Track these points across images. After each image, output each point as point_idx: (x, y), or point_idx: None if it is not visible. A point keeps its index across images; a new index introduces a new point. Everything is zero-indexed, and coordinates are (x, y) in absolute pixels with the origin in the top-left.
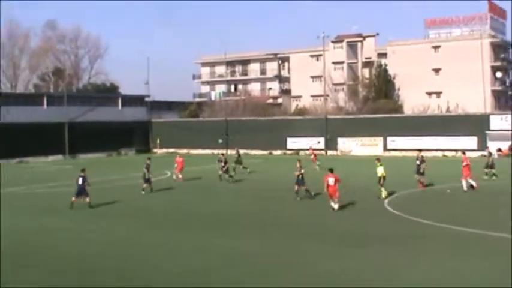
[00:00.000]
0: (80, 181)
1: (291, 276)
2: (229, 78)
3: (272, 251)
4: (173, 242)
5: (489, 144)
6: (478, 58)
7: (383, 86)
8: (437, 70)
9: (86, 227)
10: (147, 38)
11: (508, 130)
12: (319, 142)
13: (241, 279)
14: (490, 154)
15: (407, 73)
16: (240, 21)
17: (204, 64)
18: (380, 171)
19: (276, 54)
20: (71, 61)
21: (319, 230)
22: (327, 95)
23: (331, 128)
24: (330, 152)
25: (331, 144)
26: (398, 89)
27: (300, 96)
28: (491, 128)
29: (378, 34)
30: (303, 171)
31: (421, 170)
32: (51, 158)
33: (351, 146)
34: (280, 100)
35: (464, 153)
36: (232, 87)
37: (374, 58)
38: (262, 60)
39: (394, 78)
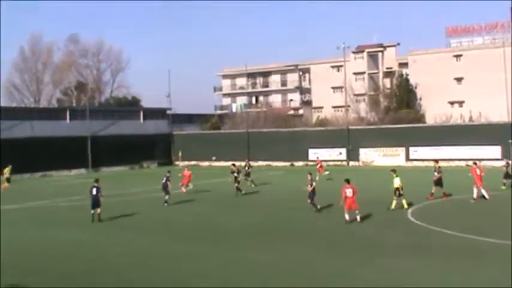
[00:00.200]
0: (94, 191)
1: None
2: (250, 90)
3: (302, 263)
4: (198, 255)
5: None
6: (501, 66)
7: (404, 96)
8: (459, 79)
9: (112, 240)
10: (169, 51)
11: None
12: (340, 153)
13: None
14: (508, 164)
15: (429, 82)
16: (260, 33)
17: (225, 76)
18: (396, 182)
19: (296, 66)
20: (93, 75)
21: (345, 240)
22: (348, 106)
23: (352, 139)
24: (351, 163)
25: (352, 155)
26: (420, 99)
27: (321, 107)
28: None
29: (398, 44)
30: (314, 184)
31: (438, 181)
32: (74, 171)
33: (372, 156)
34: (301, 111)
35: (475, 164)
36: (254, 99)
37: (395, 68)
38: (283, 72)
39: (415, 87)
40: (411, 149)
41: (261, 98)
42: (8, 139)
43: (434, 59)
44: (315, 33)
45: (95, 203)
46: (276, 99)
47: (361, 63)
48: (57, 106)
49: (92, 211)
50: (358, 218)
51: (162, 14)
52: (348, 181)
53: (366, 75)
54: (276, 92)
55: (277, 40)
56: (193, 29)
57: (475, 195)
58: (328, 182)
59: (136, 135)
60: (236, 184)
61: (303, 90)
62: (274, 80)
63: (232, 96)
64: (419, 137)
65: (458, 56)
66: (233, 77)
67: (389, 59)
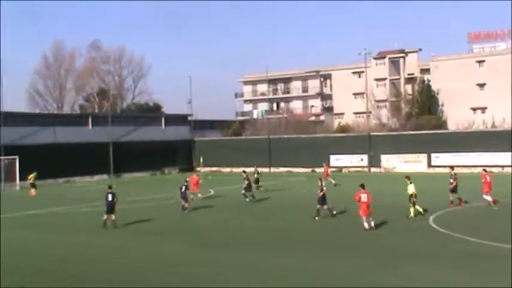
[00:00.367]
0: (110, 198)
1: None
2: (271, 96)
3: (326, 270)
4: (220, 260)
5: None
6: None
7: (426, 102)
8: (481, 85)
9: (135, 245)
10: (190, 57)
11: None
12: (362, 159)
13: None
14: None
15: (451, 88)
16: (281, 39)
17: (246, 82)
18: (411, 189)
19: (317, 72)
20: (115, 81)
21: (368, 247)
22: (370, 112)
23: (374, 145)
24: (373, 169)
25: (374, 161)
26: (442, 105)
27: (342, 114)
28: None
29: (420, 49)
30: (324, 189)
31: (453, 188)
32: (96, 177)
33: (394, 162)
34: (322, 117)
35: (485, 171)
36: (275, 105)
37: (417, 74)
38: (304, 78)
39: (437, 93)
40: (433, 155)
41: (282, 104)
42: (31, 145)
43: (457, 64)
44: (336, 39)
45: (110, 209)
46: (297, 106)
47: (382, 69)
48: (79, 112)
49: (105, 216)
50: (372, 224)
51: (184, 20)
52: (362, 186)
53: (387, 81)
54: (297, 98)
55: (298, 46)
56: (214, 35)
57: (491, 200)
58: (347, 188)
59: (158, 141)
60: (243, 191)
61: (324, 97)
62: (295, 86)
63: (254, 102)
64: (441, 143)
65: (480, 62)
66: (254, 83)
67: (411, 65)
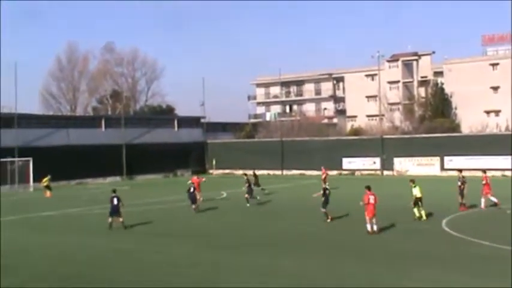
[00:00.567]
0: (115, 201)
1: None
2: (284, 98)
3: (342, 273)
4: (230, 263)
5: None
6: None
7: (439, 105)
8: (495, 88)
9: (144, 247)
10: (203, 59)
11: None
12: (374, 162)
13: None
14: None
15: (465, 91)
16: (294, 42)
17: (258, 85)
18: (415, 192)
19: (330, 74)
20: (128, 84)
21: (379, 251)
22: (383, 115)
23: (387, 148)
24: (386, 172)
25: (387, 164)
26: (455, 108)
27: (355, 116)
28: None
29: (434, 52)
30: (327, 192)
31: (463, 191)
32: (109, 179)
33: (407, 166)
34: (335, 120)
35: (485, 172)
36: (287, 107)
37: (430, 77)
38: (317, 81)
39: (450, 96)
40: (446, 158)
41: (294, 107)
42: (44, 147)
43: (470, 67)
44: (349, 41)
45: (115, 211)
46: (309, 108)
47: (395, 71)
48: (92, 114)
49: (110, 219)
50: (375, 228)
51: (197, 22)
52: (369, 188)
53: (400, 84)
54: (310, 100)
55: (311, 49)
56: (227, 38)
57: (483, 206)
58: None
59: (171, 143)
60: (246, 195)
61: (337, 99)
62: (308, 89)
63: (266, 104)
64: (454, 146)
65: (494, 65)
66: (267, 85)
67: (424, 68)
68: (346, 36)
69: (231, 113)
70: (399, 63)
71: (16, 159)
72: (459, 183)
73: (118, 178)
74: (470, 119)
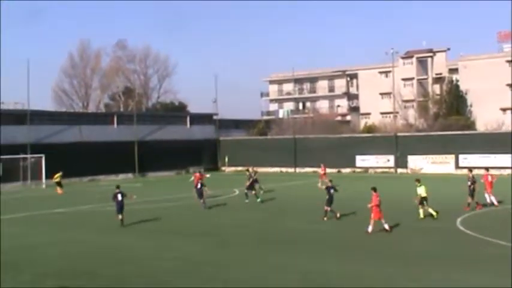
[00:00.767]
0: (120, 197)
1: None
2: (297, 95)
3: (354, 273)
4: (243, 260)
5: None
6: None
7: (454, 102)
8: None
9: (159, 245)
10: (215, 56)
11: None
12: (388, 160)
13: None
14: None
15: (480, 88)
16: (307, 38)
17: (271, 82)
18: (419, 191)
19: (344, 71)
20: (140, 80)
21: (396, 250)
22: (397, 112)
23: (401, 146)
24: (399, 170)
25: (401, 162)
26: (471, 105)
27: (369, 114)
28: None
29: (449, 49)
30: (332, 191)
31: (472, 191)
32: (121, 176)
33: (421, 164)
34: (348, 117)
35: (487, 170)
36: (300, 104)
37: (445, 74)
38: (330, 78)
39: (466, 94)
40: (461, 156)
41: (308, 104)
42: (57, 144)
43: (486, 64)
44: (363, 38)
45: (121, 208)
46: (323, 105)
47: (410, 68)
48: (105, 111)
49: (120, 216)
50: (386, 226)
51: (208, 18)
52: (375, 189)
53: (414, 81)
54: (323, 97)
55: (325, 45)
56: (240, 34)
57: (488, 200)
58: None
59: (183, 140)
60: (251, 191)
61: (351, 96)
62: (321, 86)
63: (279, 101)
64: (469, 144)
65: (511, 62)
66: (280, 82)
67: (439, 65)
68: (360, 32)
69: (244, 110)
70: (414, 60)
71: (28, 155)
72: (469, 183)
73: (130, 175)
74: (486, 117)
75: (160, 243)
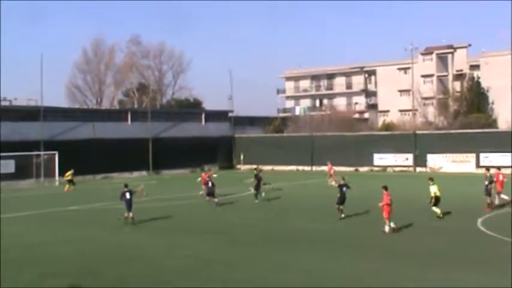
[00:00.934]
0: (128, 196)
1: None
2: (314, 92)
3: (370, 272)
4: (252, 259)
5: None
6: None
7: (475, 100)
8: None
9: (169, 243)
10: (231, 52)
11: None
12: (407, 159)
13: None
14: None
15: (502, 86)
16: (324, 34)
17: (288, 78)
18: (432, 190)
19: (362, 68)
20: (154, 77)
21: (416, 252)
22: (416, 110)
23: (420, 144)
24: (418, 169)
25: (420, 161)
26: (492, 103)
27: (387, 111)
28: None
29: (470, 45)
30: (344, 189)
31: (490, 191)
32: (135, 173)
33: (441, 162)
34: (366, 115)
35: (499, 169)
36: (317, 101)
37: (466, 70)
38: (348, 74)
39: (487, 91)
40: (482, 155)
41: (325, 101)
42: (70, 140)
43: (508, 61)
44: (382, 34)
45: (130, 206)
46: (340, 102)
47: (429, 65)
48: (118, 108)
49: (131, 214)
50: (392, 224)
51: (224, 14)
52: (386, 188)
53: (434, 78)
54: (341, 94)
55: (342, 41)
56: (256, 30)
57: (497, 201)
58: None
59: (198, 137)
60: (254, 191)
61: (369, 93)
62: (339, 83)
63: (296, 98)
64: (490, 142)
65: None
66: (297, 79)
67: (460, 61)
68: (379, 28)
69: (260, 107)
70: (433, 56)
71: (42, 152)
72: (486, 183)
73: (144, 173)
74: (508, 115)
75: (170, 241)
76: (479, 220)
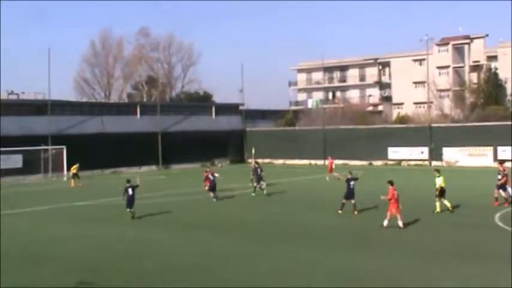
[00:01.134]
0: (130, 191)
1: None
2: (326, 85)
3: (390, 269)
4: (272, 255)
5: None
6: None
7: (493, 92)
8: None
9: (180, 239)
10: (241, 44)
11: None
12: (422, 152)
13: None
14: None
15: None
16: (337, 25)
17: (300, 70)
18: (438, 182)
19: (376, 59)
20: (164, 69)
21: (436, 247)
22: (431, 102)
23: (435, 137)
24: (434, 163)
25: (435, 154)
26: (510, 95)
27: (401, 104)
28: None
29: (487, 35)
30: (352, 183)
31: (501, 185)
32: (144, 168)
33: (457, 156)
34: (380, 108)
35: (502, 163)
36: (330, 94)
37: (483, 61)
38: (362, 66)
39: (505, 82)
40: (499, 148)
41: (338, 94)
42: (78, 135)
43: None
44: (396, 24)
45: (131, 202)
46: (353, 95)
47: (445, 56)
48: (127, 101)
49: (129, 209)
50: (400, 223)
51: (234, 5)
52: (391, 183)
53: (450, 69)
54: (354, 87)
55: (355, 32)
56: (266, 21)
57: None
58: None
59: (208, 131)
60: (255, 184)
61: (383, 85)
62: (352, 75)
63: (308, 91)
64: (508, 136)
65: None
66: (309, 71)
67: (477, 52)
68: (392, 18)
69: (271, 100)
70: (449, 47)
71: (49, 147)
72: (499, 177)
73: (154, 167)
74: None
75: (181, 237)
76: (497, 215)
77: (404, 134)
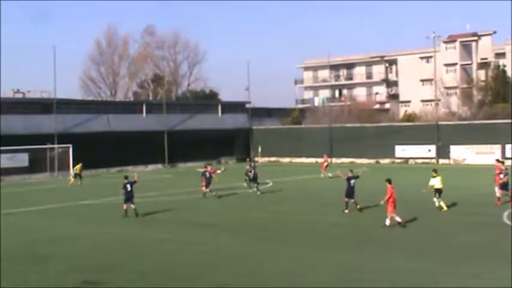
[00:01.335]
0: (129, 187)
1: None
2: (333, 83)
3: (396, 269)
4: (278, 254)
5: None
6: None
7: (501, 89)
8: None
9: (186, 238)
10: (247, 42)
11: None
12: (429, 150)
13: None
14: None
15: None
16: (344, 23)
17: (306, 68)
18: (433, 182)
19: (382, 57)
20: (170, 67)
21: (442, 247)
22: (439, 100)
23: (443, 135)
24: (441, 161)
25: (442, 152)
26: None
27: (408, 101)
28: None
29: (495, 32)
30: (353, 181)
31: (503, 184)
32: (150, 167)
33: (464, 154)
34: (387, 105)
35: (498, 162)
36: (337, 92)
37: (491, 59)
38: (368, 64)
39: None
40: (508, 146)
41: (344, 91)
42: (84, 133)
43: None
44: (403, 22)
45: (130, 198)
46: (360, 93)
47: (452, 53)
48: (133, 100)
49: (125, 206)
50: (398, 219)
51: (240, 4)
52: (389, 181)
53: (458, 67)
54: (361, 84)
55: (362, 30)
56: (273, 19)
57: (498, 194)
58: (409, 181)
59: (214, 129)
60: (251, 183)
61: (390, 83)
62: (359, 72)
63: (314, 89)
64: None
65: None
66: (315, 69)
67: (485, 49)
68: (399, 15)
69: (277, 98)
70: (457, 44)
71: (56, 145)
72: (501, 176)
73: (160, 166)
74: None
75: (188, 236)
76: (505, 213)
77: (411, 132)
